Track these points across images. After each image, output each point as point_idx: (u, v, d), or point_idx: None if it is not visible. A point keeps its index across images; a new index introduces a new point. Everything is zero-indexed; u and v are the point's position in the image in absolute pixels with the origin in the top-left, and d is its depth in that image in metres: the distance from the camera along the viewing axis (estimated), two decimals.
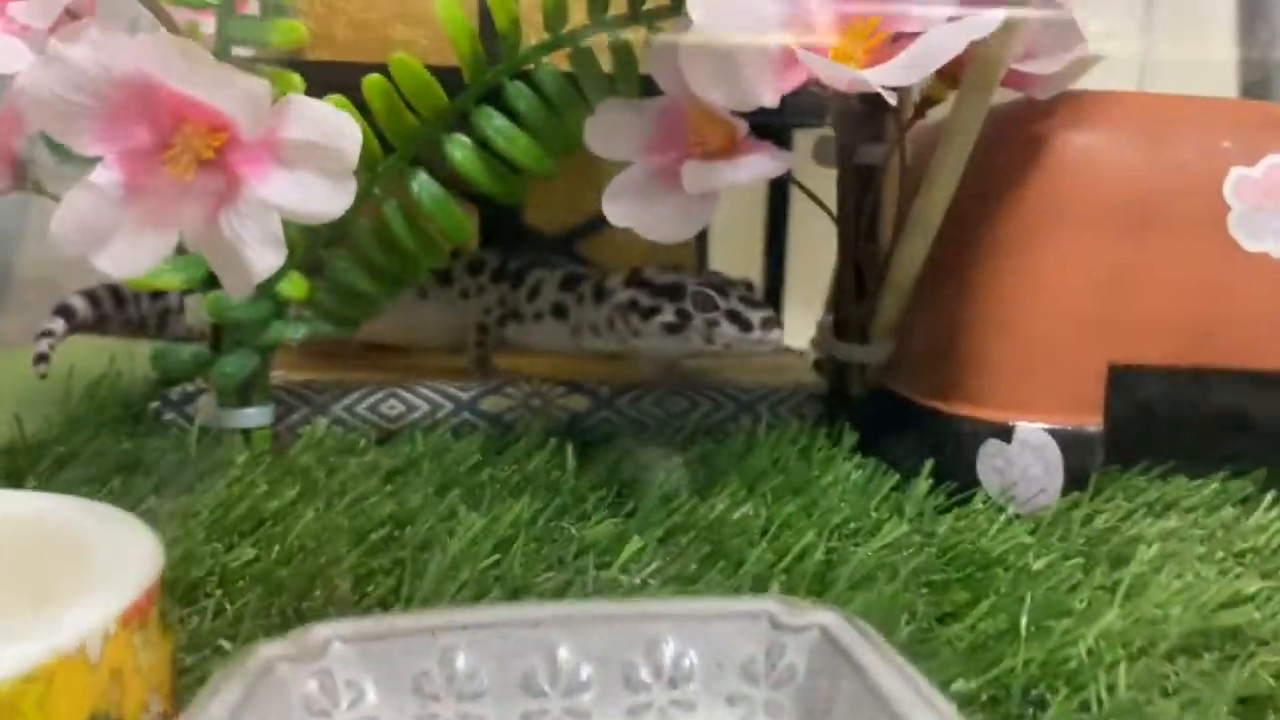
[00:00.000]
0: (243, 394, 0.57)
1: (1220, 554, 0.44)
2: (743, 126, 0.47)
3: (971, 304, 0.53)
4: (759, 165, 0.46)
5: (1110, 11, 0.51)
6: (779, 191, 0.84)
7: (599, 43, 0.54)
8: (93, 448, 0.56)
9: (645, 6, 0.52)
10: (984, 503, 0.50)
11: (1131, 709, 0.31)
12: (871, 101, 0.55)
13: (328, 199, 0.42)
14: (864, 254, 0.57)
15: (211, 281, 0.50)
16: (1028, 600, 0.36)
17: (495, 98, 0.55)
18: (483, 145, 0.55)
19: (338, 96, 0.50)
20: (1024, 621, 0.35)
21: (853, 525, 0.46)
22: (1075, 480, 0.51)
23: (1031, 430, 0.51)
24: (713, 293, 0.56)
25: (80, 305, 0.73)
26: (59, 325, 0.71)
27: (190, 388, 0.61)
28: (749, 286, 0.57)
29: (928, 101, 0.53)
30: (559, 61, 0.55)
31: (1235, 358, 0.51)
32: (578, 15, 0.54)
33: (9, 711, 0.22)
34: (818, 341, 0.75)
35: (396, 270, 0.57)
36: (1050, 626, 0.36)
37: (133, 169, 0.42)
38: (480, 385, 0.62)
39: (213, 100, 0.41)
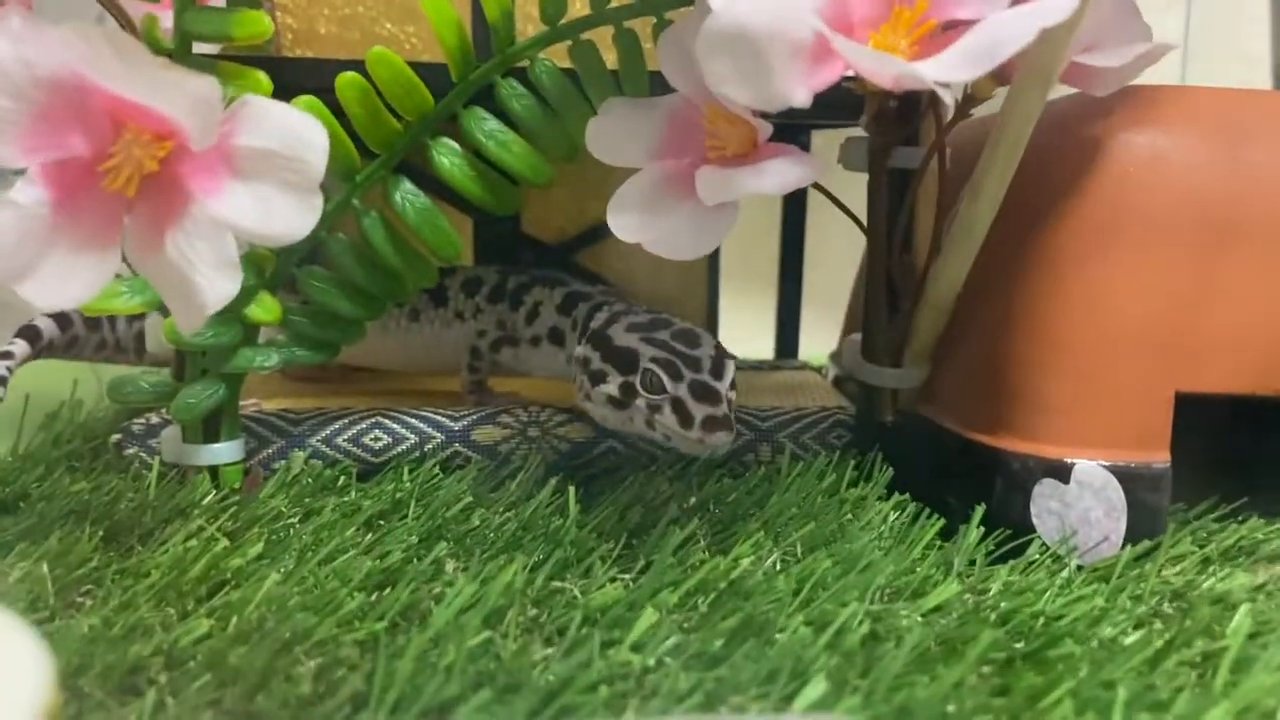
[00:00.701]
0: (209, 427, 0.51)
1: None
2: (766, 128, 0.41)
3: (1021, 325, 0.47)
4: (785, 172, 0.40)
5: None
6: (796, 195, 0.78)
7: (602, 35, 0.49)
8: (42, 489, 0.50)
9: None
10: (1040, 552, 0.44)
11: None
12: (906, 99, 0.49)
13: (290, 217, 0.37)
14: (897, 268, 0.51)
15: None
16: (1119, 694, 0.30)
17: (487, 98, 0.49)
18: (473, 151, 0.49)
19: (307, 98, 0.45)
20: None
21: (896, 584, 0.40)
22: (1141, 524, 0.45)
23: (1091, 468, 0.45)
24: (662, 374, 0.47)
25: (47, 327, 0.67)
26: (20, 348, 0.65)
27: (155, 419, 0.55)
28: (718, 363, 0.48)
29: (971, 99, 0.47)
30: (558, 57, 0.49)
31: None
32: (578, 5, 0.49)
33: None
34: (841, 359, 0.69)
35: (379, 290, 0.51)
36: None
37: (64, 183, 0.36)
38: (473, 413, 0.56)
39: (156, 103, 0.36)
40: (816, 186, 0.48)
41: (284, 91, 0.43)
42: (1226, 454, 0.50)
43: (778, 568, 0.42)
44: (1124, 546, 0.44)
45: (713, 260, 0.78)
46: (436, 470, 0.53)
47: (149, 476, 0.50)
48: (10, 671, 0.22)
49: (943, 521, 0.46)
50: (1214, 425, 0.48)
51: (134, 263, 0.38)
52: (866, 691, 0.32)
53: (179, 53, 0.45)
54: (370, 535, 0.45)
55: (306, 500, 0.49)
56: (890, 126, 0.48)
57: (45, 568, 0.40)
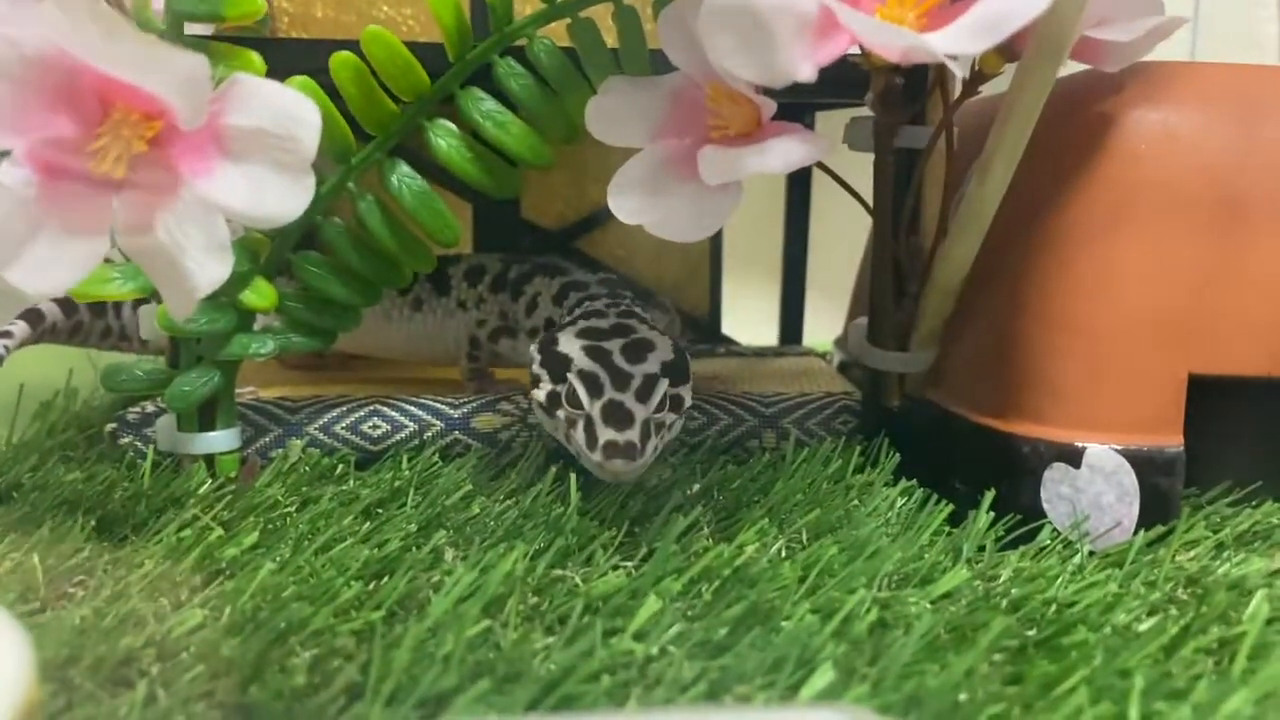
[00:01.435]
0: (205, 415, 0.50)
1: None
2: (770, 106, 0.40)
3: (1031, 307, 0.46)
4: (790, 151, 0.39)
5: None
6: (800, 172, 0.77)
7: (602, 13, 0.48)
8: (35, 479, 0.49)
9: None
10: (1051, 537, 0.43)
11: None
12: (912, 77, 0.48)
13: (282, 198, 0.36)
14: (904, 250, 0.50)
15: None
16: (1136, 682, 0.29)
17: (484, 78, 0.48)
18: (471, 132, 0.48)
19: (300, 78, 0.44)
20: (1134, 713, 0.28)
21: (904, 570, 0.40)
22: (1154, 509, 0.44)
23: (1103, 452, 0.44)
24: (580, 390, 0.44)
25: (50, 311, 0.66)
26: (20, 328, 0.65)
27: (150, 407, 0.54)
28: (649, 383, 0.45)
29: (979, 76, 0.46)
30: (557, 35, 0.48)
31: None
32: None
33: None
34: (846, 344, 0.68)
35: (376, 275, 0.50)
36: (1162, 712, 0.29)
37: (50, 164, 0.35)
38: (472, 400, 0.55)
39: (143, 81, 0.35)
40: (821, 167, 0.47)
41: (278, 74, 0.41)
42: (1241, 437, 0.49)
43: (783, 555, 0.41)
44: (1136, 532, 0.43)
45: (715, 246, 0.78)
46: (436, 458, 0.52)
47: (143, 466, 0.49)
48: None
49: (951, 507, 0.45)
50: (1229, 408, 0.47)
51: (124, 246, 0.37)
52: (875, 680, 0.31)
53: (171, 34, 0.44)
54: (368, 524, 0.44)
55: (304, 489, 0.48)
56: (896, 105, 0.46)
57: (36, 558, 0.39)
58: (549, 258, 0.62)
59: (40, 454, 0.53)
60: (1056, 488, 0.44)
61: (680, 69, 0.42)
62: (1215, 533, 0.44)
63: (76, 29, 0.33)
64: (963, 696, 0.30)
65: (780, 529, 0.43)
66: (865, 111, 0.49)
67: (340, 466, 0.52)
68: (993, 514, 0.44)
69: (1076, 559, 0.41)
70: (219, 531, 0.42)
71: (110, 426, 0.54)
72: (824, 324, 0.82)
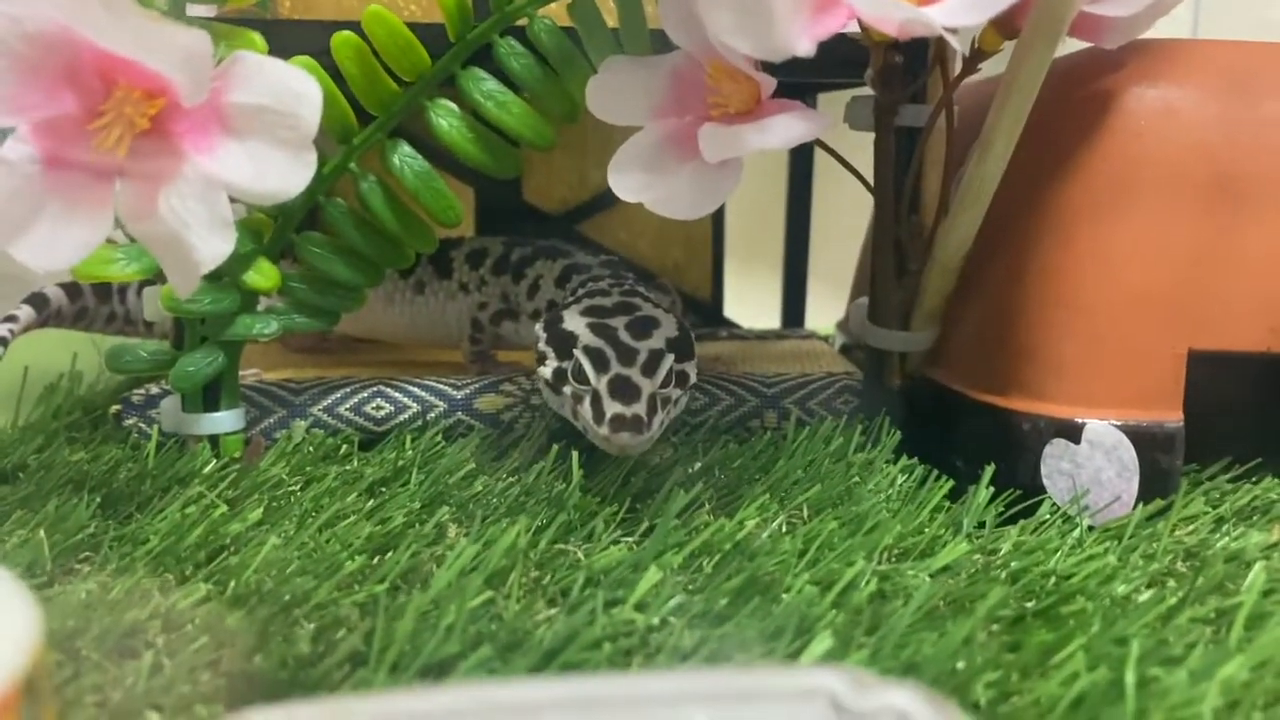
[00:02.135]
0: (209, 396, 0.50)
1: None
2: (770, 83, 0.40)
3: (1031, 285, 0.46)
4: (790, 127, 0.39)
5: None
6: (802, 157, 0.77)
7: None
8: (41, 459, 0.49)
9: None
10: (1051, 512, 0.43)
11: None
12: (912, 54, 0.48)
13: (284, 174, 0.36)
14: (905, 229, 0.50)
15: None
16: (1133, 648, 0.29)
17: (485, 58, 0.48)
18: (472, 113, 0.49)
19: (302, 57, 0.44)
20: (1130, 677, 0.28)
21: (904, 544, 0.40)
22: (1153, 484, 0.44)
23: (1102, 428, 0.44)
24: (587, 365, 0.44)
25: (55, 296, 0.67)
26: (25, 313, 0.65)
27: (155, 390, 0.55)
28: (655, 358, 0.45)
29: (979, 54, 0.46)
30: (557, 15, 0.48)
31: None
32: None
33: None
34: (848, 325, 0.69)
35: (378, 256, 0.50)
36: (1159, 678, 0.30)
37: (54, 142, 0.36)
38: (475, 381, 0.56)
39: (147, 59, 0.35)
40: (821, 145, 0.47)
41: (280, 55, 0.41)
42: (1245, 415, 0.49)
43: (783, 530, 0.41)
44: (1136, 507, 0.44)
45: (717, 230, 0.78)
46: (439, 438, 0.52)
47: (148, 446, 0.50)
48: None
49: (951, 483, 0.46)
50: (1228, 383, 0.47)
51: (128, 224, 0.37)
52: (874, 648, 0.32)
53: (173, 15, 0.44)
54: (371, 501, 0.45)
55: (308, 468, 0.49)
56: (896, 83, 0.47)
57: (42, 534, 0.40)
58: (551, 241, 0.62)
59: (45, 436, 0.54)
60: (1056, 463, 0.45)
61: (681, 47, 0.42)
62: (1214, 507, 0.45)
63: (79, 6, 0.33)
64: (960, 664, 0.31)
65: (781, 505, 0.43)
66: (866, 91, 0.49)
67: (344, 447, 0.52)
68: (993, 490, 0.44)
69: (1076, 533, 0.41)
70: (223, 509, 0.42)
71: (115, 408, 0.54)
72: (826, 309, 0.82)
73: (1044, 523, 0.43)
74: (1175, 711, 0.28)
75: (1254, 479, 0.48)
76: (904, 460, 0.48)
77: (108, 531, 0.41)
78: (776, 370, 0.59)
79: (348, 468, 0.49)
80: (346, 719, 0.22)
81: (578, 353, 0.45)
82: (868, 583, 0.35)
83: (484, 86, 0.48)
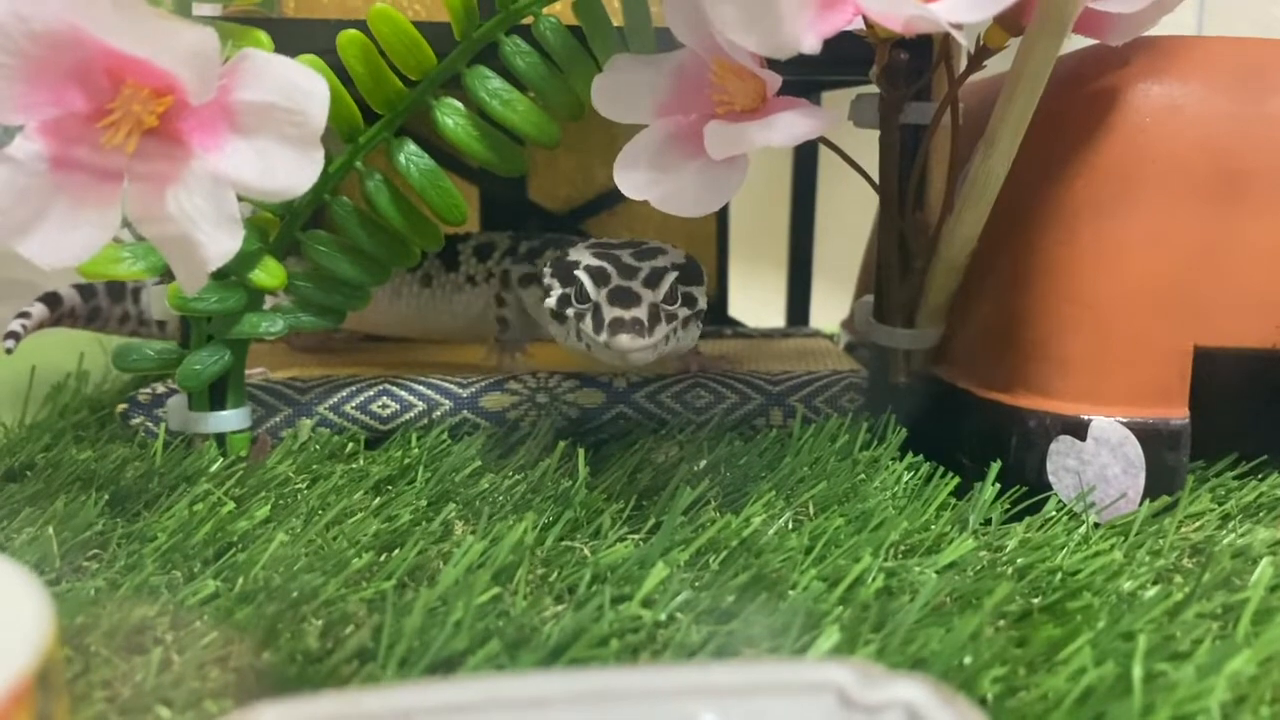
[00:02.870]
0: (215, 394, 0.51)
1: None
2: (775, 80, 0.40)
3: (1036, 282, 0.46)
4: (795, 125, 0.39)
5: None
6: (806, 156, 0.77)
7: None
8: (48, 458, 0.50)
9: None
10: (1057, 509, 0.43)
11: None
12: (917, 51, 0.48)
13: (292, 171, 0.36)
14: (910, 226, 0.50)
15: None
16: (1139, 643, 0.29)
17: (490, 56, 0.48)
18: (477, 111, 0.49)
19: (309, 56, 0.44)
20: (1137, 672, 0.28)
21: (910, 541, 0.40)
22: (1159, 481, 0.44)
23: (1108, 424, 0.44)
24: (587, 282, 0.45)
25: (69, 295, 0.67)
26: (38, 309, 0.65)
27: (161, 389, 0.55)
28: (657, 273, 0.46)
29: (984, 51, 0.46)
30: (562, 13, 0.48)
31: None
32: None
33: None
34: (852, 324, 0.69)
35: (384, 254, 0.51)
36: (1165, 673, 0.30)
37: (62, 140, 0.36)
38: (481, 380, 0.56)
39: (155, 57, 0.35)
40: (826, 143, 0.48)
41: (285, 54, 0.42)
42: (1251, 411, 0.49)
43: (790, 526, 0.41)
44: (1142, 503, 0.44)
45: (721, 230, 0.78)
46: (445, 436, 0.52)
47: (155, 444, 0.50)
48: (9, 620, 0.22)
49: (957, 480, 0.46)
50: (1234, 380, 0.47)
51: (135, 222, 0.37)
52: (880, 644, 0.32)
53: (180, 14, 0.44)
54: (378, 499, 0.45)
55: (314, 466, 0.49)
56: (901, 80, 0.47)
57: (51, 532, 0.40)
58: (556, 234, 0.63)
59: (53, 434, 0.54)
60: (1062, 460, 0.45)
61: (686, 45, 0.42)
62: (1221, 504, 0.45)
63: (87, 4, 0.33)
64: (967, 659, 0.31)
65: (787, 502, 0.43)
66: (871, 88, 0.49)
67: (350, 445, 0.52)
68: (998, 486, 0.44)
69: (1082, 529, 0.41)
70: (231, 506, 0.42)
71: (121, 407, 0.55)
72: (831, 307, 0.82)
73: (1050, 519, 0.43)
74: (1182, 706, 0.28)
75: (1260, 475, 0.48)
76: (909, 457, 0.48)
77: (116, 529, 0.41)
78: (782, 368, 0.59)
79: (354, 466, 0.49)
80: (355, 713, 0.22)
81: (578, 273, 0.46)
82: (874, 579, 0.35)
83: (489, 85, 0.48)
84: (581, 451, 0.47)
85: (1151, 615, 0.33)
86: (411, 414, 0.55)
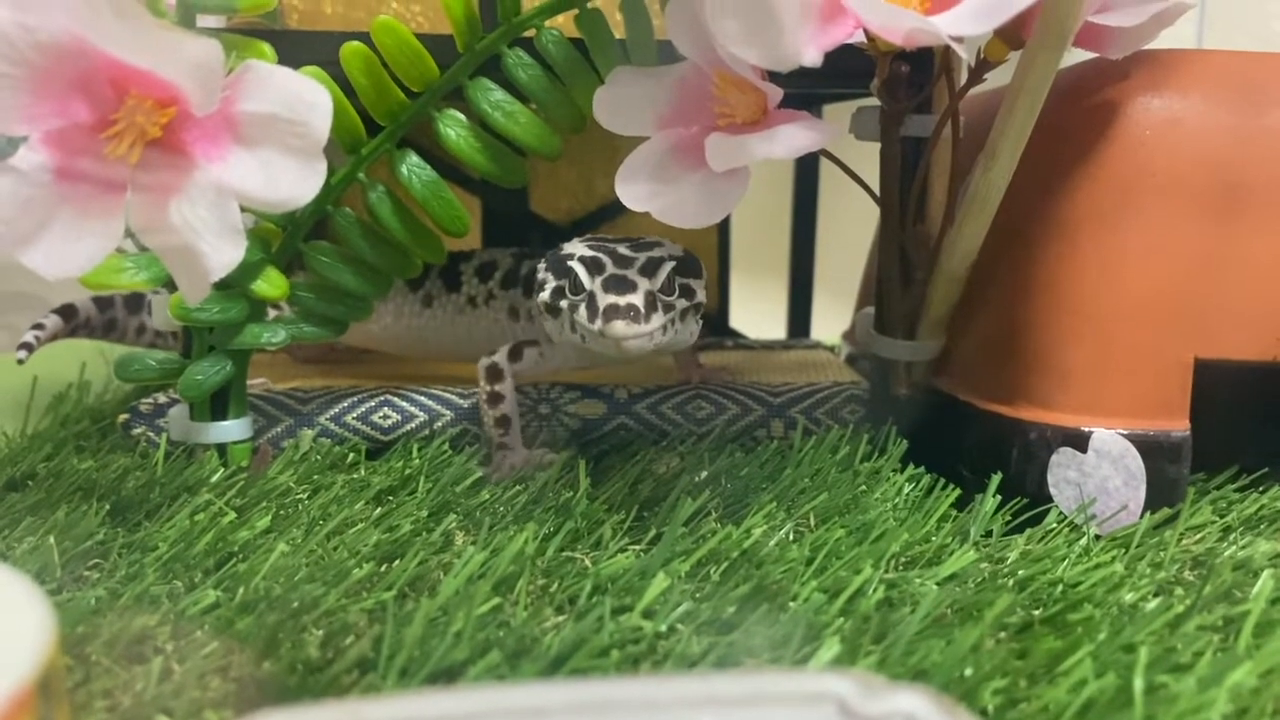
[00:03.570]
0: (217, 405, 0.51)
1: None
2: (776, 93, 0.40)
3: (1037, 294, 0.46)
4: (796, 137, 0.40)
5: None
6: (808, 168, 0.78)
7: (609, 3, 0.48)
8: (49, 468, 0.50)
9: None
10: (1058, 521, 0.43)
11: None
12: (918, 64, 0.48)
13: (295, 182, 0.36)
14: (911, 238, 0.50)
15: None
16: (1140, 655, 0.29)
17: (493, 68, 0.48)
18: (480, 123, 0.49)
19: (312, 67, 0.44)
20: (1138, 684, 0.28)
21: (911, 553, 0.40)
22: (1160, 493, 0.44)
23: (1109, 437, 0.44)
24: (581, 272, 0.43)
25: (84, 306, 0.67)
26: (52, 320, 0.65)
27: (163, 399, 0.55)
28: (653, 264, 0.45)
29: (984, 64, 0.46)
30: (565, 26, 0.48)
31: None
32: None
33: None
34: (853, 336, 0.69)
35: (386, 265, 0.51)
36: (1166, 685, 0.30)
37: (66, 150, 0.36)
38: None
39: (159, 68, 0.35)
40: (827, 155, 0.48)
41: (288, 66, 0.42)
42: (1252, 423, 0.49)
43: (790, 538, 0.41)
44: (1143, 515, 0.44)
45: (722, 240, 0.78)
46: (446, 447, 0.52)
47: (156, 454, 0.50)
48: (11, 628, 0.22)
49: (958, 492, 0.46)
50: (1235, 393, 0.47)
51: (138, 232, 0.37)
52: (881, 655, 0.32)
53: (184, 26, 0.44)
54: (379, 510, 0.45)
55: (315, 477, 0.49)
56: (902, 93, 0.47)
57: (52, 541, 0.40)
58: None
59: (54, 444, 0.54)
60: (1063, 472, 0.45)
61: (687, 58, 0.42)
62: (1222, 516, 0.45)
63: (92, 16, 0.34)
64: (968, 670, 0.31)
65: (788, 513, 0.43)
66: (872, 101, 0.49)
67: (351, 455, 0.52)
68: (999, 498, 0.44)
69: (1083, 541, 0.41)
70: (232, 516, 0.42)
71: (123, 417, 0.55)
72: (832, 319, 0.82)
73: (1051, 531, 0.43)
74: (1183, 718, 0.28)
75: (1261, 488, 0.48)
76: (910, 469, 0.48)
77: (117, 538, 0.41)
78: (783, 380, 0.59)
79: (355, 476, 0.49)
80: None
81: (572, 264, 0.45)
82: (875, 590, 0.35)
83: (492, 97, 0.48)
84: (582, 463, 0.47)
85: (1153, 627, 0.33)
86: (413, 425, 0.55)
